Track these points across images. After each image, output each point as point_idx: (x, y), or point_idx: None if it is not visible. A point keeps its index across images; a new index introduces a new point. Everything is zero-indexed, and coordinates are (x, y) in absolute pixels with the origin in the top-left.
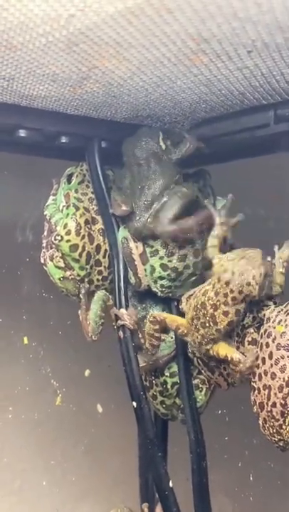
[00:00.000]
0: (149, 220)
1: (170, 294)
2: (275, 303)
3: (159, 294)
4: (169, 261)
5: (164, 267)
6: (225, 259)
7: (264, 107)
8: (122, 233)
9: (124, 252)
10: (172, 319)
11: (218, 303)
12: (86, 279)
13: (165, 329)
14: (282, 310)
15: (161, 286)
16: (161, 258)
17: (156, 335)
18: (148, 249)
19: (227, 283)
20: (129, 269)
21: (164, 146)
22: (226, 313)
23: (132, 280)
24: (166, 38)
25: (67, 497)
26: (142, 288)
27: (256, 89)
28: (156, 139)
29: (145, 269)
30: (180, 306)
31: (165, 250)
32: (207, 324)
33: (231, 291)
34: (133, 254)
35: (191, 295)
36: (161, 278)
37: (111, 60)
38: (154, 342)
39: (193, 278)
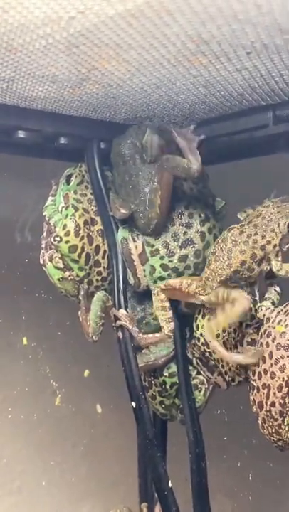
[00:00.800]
0: (150, 211)
1: None
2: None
3: None
4: (170, 261)
5: (164, 267)
6: (263, 206)
7: (263, 108)
8: (121, 233)
9: (124, 253)
10: (183, 279)
11: (239, 240)
12: (85, 280)
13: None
14: (281, 310)
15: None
16: (161, 258)
17: (166, 304)
18: (148, 249)
19: (255, 225)
20: (128, 270)
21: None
22: (242, 252)
23: (131, 280)
24: (166, 40)
25: (67, 497)
26: (140, 288)
27: (255, 91)
28: (141, 136)
29: (145, 270)
30: None
31: (166, 250)
32: (221, 258)
33: (256, 233)
34: (132, 254)
35: None
36: (162, 278)
37: (111, 61)
38: (166, 314)
39: None
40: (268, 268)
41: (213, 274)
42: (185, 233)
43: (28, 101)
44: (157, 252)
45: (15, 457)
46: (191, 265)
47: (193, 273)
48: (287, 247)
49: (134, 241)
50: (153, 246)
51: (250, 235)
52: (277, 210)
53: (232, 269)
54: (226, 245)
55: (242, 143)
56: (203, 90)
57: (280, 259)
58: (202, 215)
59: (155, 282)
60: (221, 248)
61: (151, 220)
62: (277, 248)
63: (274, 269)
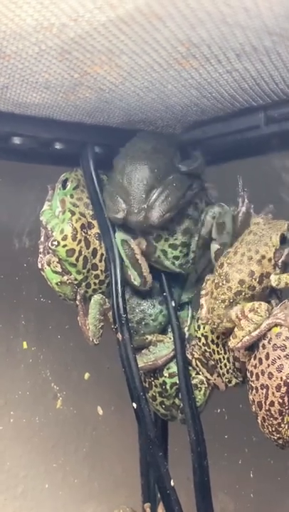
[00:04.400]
0: (148, 211)
1: (191, 267)
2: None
3: (183, 272)
4: (175, 239)
5: (173, 246)
6: (253, 224)
7: (254, 109)
8: (120, 236)
9: (128, 255)
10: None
11: (234, 261)
12: (83, 283)
13: None
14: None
15: (180, 265)
16: (166, 240)
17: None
18: (150, 237)
19: (248, 243)
20: (133, 271)
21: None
22: (239, 271)
23: (137, 281)
24: (157, 44)
25: (70, 500)
26: (147, 286)
27: (246, 92)
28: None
29: (159, 256)
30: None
31: (166, 231)
32: (220, 284)
33: (249, 250)
34: (136, 254)
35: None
36: (176, 257)
37: (103, 66)
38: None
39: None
40: (270, 284)
41: (217, 302)
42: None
43: (23, 107)
44: (160, 236)
45: (18, 461)
46: (194, 233)
47: (199, 238)
48: (281, 260)
49: (134, 239)
50: (152, 233)
51: (244, 253)
52: (268, 226)
53: (233, 291)
54: (222, 270)
55: (234, 144)
56: (194, 92)
57: (278, 272)
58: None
59: (173, 263)
60: (218, 274)
61: (145, 221)
62: (273, 262)
63: (273, 284)
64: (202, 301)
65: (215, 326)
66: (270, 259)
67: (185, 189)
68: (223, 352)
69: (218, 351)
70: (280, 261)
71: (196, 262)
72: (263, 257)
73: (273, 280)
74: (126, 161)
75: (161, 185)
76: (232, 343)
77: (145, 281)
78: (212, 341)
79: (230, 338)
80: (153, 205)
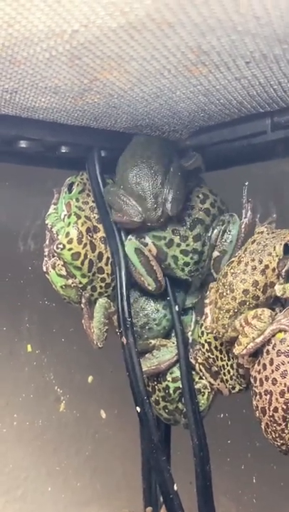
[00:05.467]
0: (164, 204)
1: (200, 276)
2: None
3: (190, 279)
4: (187, 245)
5: (184, 252)
6: (256, 233)
7: (261, 115)
8: (131, 246)
9: (143, 262)
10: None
11: (238, 271)
12: (89, 287)
13: None
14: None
15: (190, 271)
16: (178, 245)
17: None
18: (162, 242)
19: (251, 252)
20: (147, 278)
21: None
22: (243, 281)
23: (152, 286)
24: (167, 51)
25: (72, 503)
26: (161, 290)
27: (254, 98)
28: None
29: (169, 263)
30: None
31: (178, 237)
32: (225, 293)
33: (253, 259)
34: (151, 260)
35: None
36: (187, 264)
37: (112, 72)
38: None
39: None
40: (274, 294)
41: (222, 312)
42: (189, 215)
43: (30, 111)
44: (172, 242)
45: (19, 464)
46: (206, 241)
47: (210, 246)
48: (285, 269)
49: (145, 246)
50: (165, 238)
51: (248, 262)
52: (272, 236)
53: (237, 301)
54: (226, 280)
55: (241, 149)
56: (202, 99)
57: (282, 282)
58: (200, 195)
59: (182, 270)
60: (222, 284)
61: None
62: (277, 272)
63: (278, 294)
64: (206, 310)
65: (220, 336)
66: (273, 269)
67: (186, 176)
68: (226, 359)
69: (221, 358)
70: (283, 271)
71: (205, 270)
72: (267, 266)
73: (278, 290)
74: (128, 166)
75: (168, 178)
76: (237, 350)
77: (160, 286)
78: (215, 348)
79: (235, 345)
80: (167, 198)
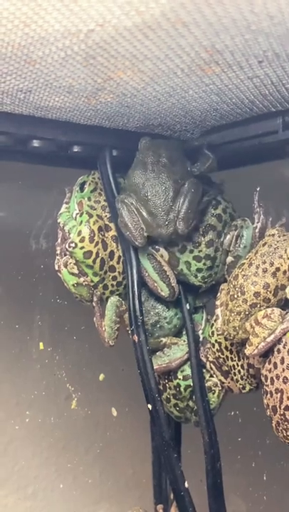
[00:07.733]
0: (176, 222)
1: (213, 282)
2: None
3: (204, 285)
4: (200, 251)
5: (197, 258)
6: (267, 236)
7: (273, 115)
8: (143, 251)
9: (156, 268)
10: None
11: (249, 273)
12: (100, 285)
13: None
14: None
15: (203, 277)
16: (191, 251)
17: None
18: (175, 249)
19: (262, 254)
20: (161, 283)
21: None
22: (254, 284)
23: (165, 292)
24: (181, 50)
25: (83, 500)
26: (175, 297)
27: (266, 98)
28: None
29: (182, 269)
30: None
31: (191, 243)
32: (236, 296)
33: (264, 262)
34: (163, 265)
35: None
36: (200, 270)
37: (126, 71)
38: None
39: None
40: (285, 296)
41: (233, 314)
42: (202, 221)
43: (44, 111)
44: (185, 248)
45: (30, 461)
46: (219, 247)
47: (223, 252)
48: None
49: (157, 251)
50: (178, 244)
51: (259, 265)
52: (283, 238)
53: (248, 304)
54: (237, 282)
55: (252, 149)
56: (215, 98)
57: None
58: (213, 201)
59: (196, 276)
60: (233, 286)
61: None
62: (288, 274)
63: (288, 297)
64: (217, 311)
65: (231, 338)
66: (284, 272)
67: (201, 193)
68: (236, 359)
69: (231, 358)
70: None
71: (219, 276)
72: (278, 269)
73: None
74: (140, 182)
75: (182, 193)
76: (248, 350)
77: (174, 293)
78: (226, 348)
79: (246, 345)
80: (179, 215)
